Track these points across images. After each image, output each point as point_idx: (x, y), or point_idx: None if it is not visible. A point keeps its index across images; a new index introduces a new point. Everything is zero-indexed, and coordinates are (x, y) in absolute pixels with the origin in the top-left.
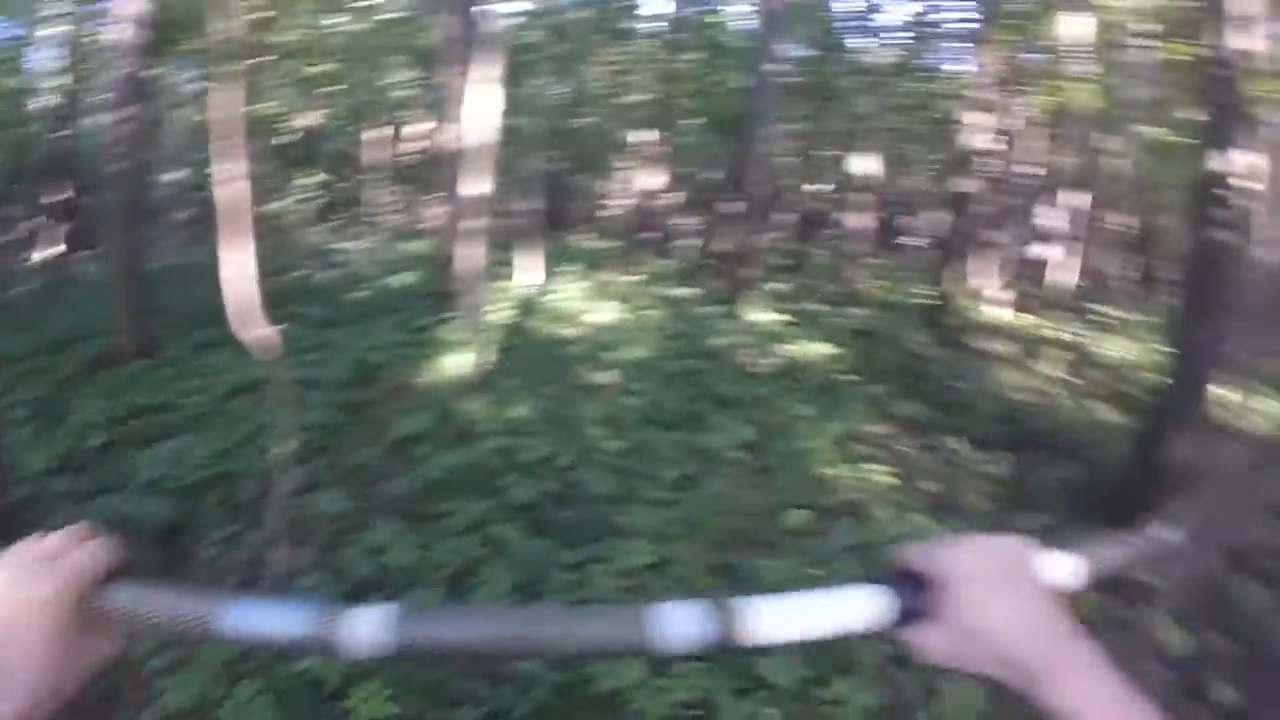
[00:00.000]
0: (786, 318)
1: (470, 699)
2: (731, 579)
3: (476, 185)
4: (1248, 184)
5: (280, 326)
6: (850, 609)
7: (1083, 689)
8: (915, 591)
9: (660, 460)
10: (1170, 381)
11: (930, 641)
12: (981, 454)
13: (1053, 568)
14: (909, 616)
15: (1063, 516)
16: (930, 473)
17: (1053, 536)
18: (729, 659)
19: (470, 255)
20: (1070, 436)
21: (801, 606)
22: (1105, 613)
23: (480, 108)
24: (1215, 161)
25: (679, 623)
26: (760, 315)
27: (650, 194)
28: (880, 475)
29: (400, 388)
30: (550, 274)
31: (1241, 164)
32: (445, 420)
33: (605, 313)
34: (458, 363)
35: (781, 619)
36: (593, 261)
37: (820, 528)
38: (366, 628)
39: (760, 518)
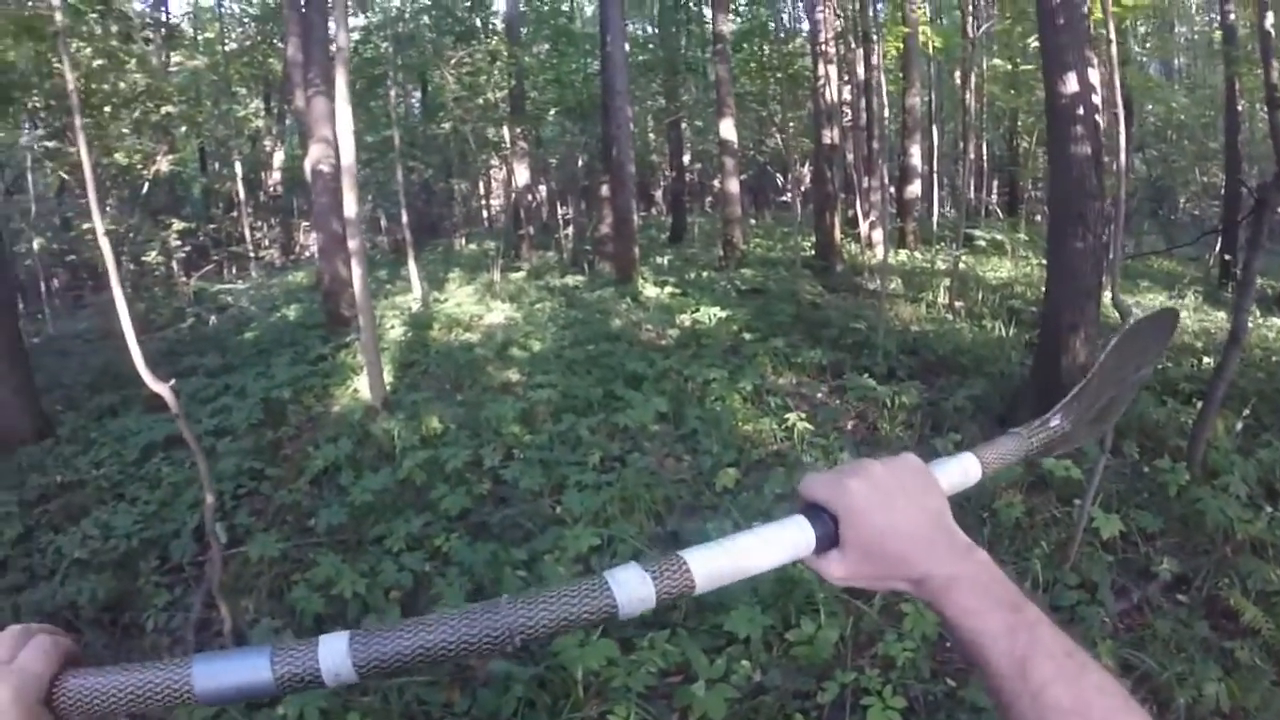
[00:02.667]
0: (677, 289)
1: (451, 712)
2: (678, 547)
3: (346, 206)
4: (1095, 99)
5: (171, 382)
6: (774, 545)
7: (973, 596)
8: (824, 521)
9: (583, 445)
10: (1051, 290)
11: (837, 567)
12: (891, 386)
13: (945, 475)
14: (821, 545)
15: (977, 431)
16: (845, 411)
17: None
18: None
19: (353, 276)
20: (971, 356)
21: (733, 548)
22: (1036, 512)
23: (337, 128)
24: (1062, 83)
25: (632, 586)
26: (652, 290)
27: (522, 189)
28: (799, 421)
29: (312, 419)
30: (438, 282)
31: (1084, 82)
32: (362, 444)
33: (498, 313)
34: (363, 385)
35: (719, 563)
36: (478, 264)
37: (752, 482)
38: (327, 658)
39: (691, 483)
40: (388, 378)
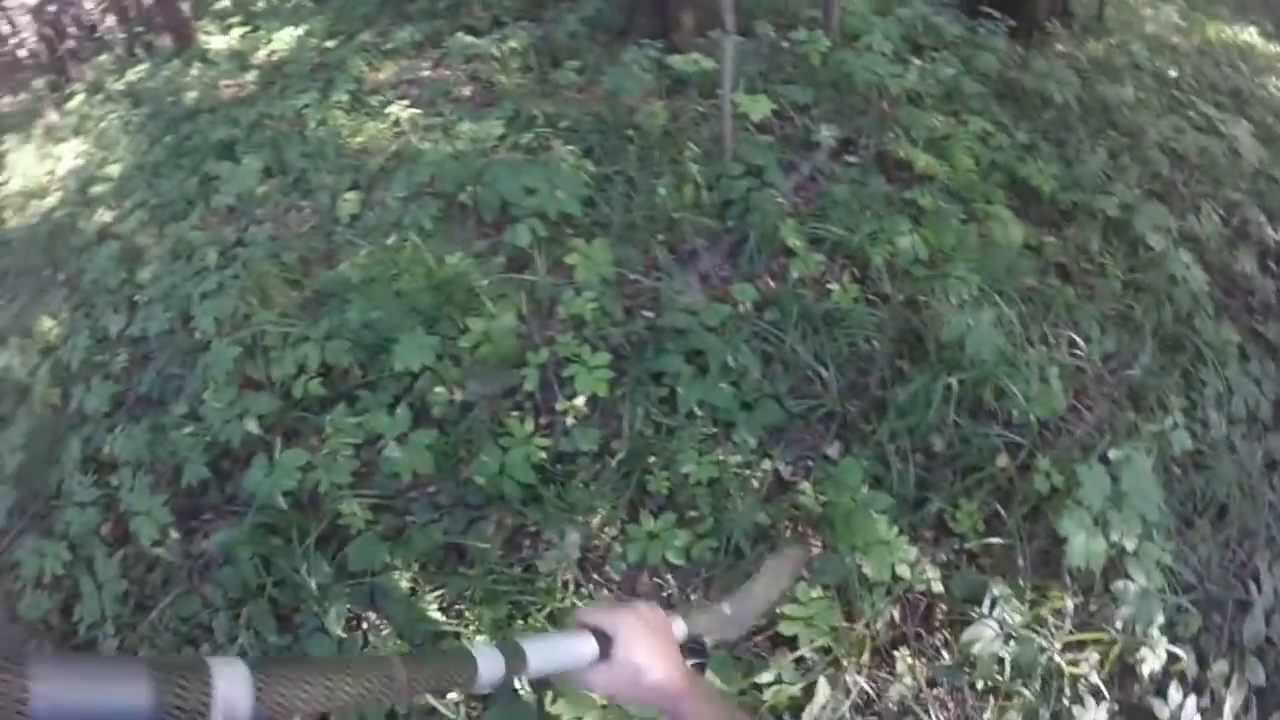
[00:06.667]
0: (245, 27)
1: None
2: (321, 306)
3: None
4: None
5: None
6: (574, 652)
7: (692, 709)
8: (601, 642)
9: (196, 250)
10: None
11: (605, 681)
12: (496, 35)
13: (679, 630)
14: (600, 657)
15: (601, 52)
16: (456, 81)
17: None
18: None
19: None
20: None
21: (549, 647)
22: (681, 114)
23: None
24: None
25: (489, 666)
26: (220, 42)
27: (38, 4)
28: (405, 111)
29: None
30: None
31: None
32: None
33: (68, 156)
34: None
35: (541, 659)
36: (29, 116)
37: (378, 198)
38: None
39: (319, 228)
40: None
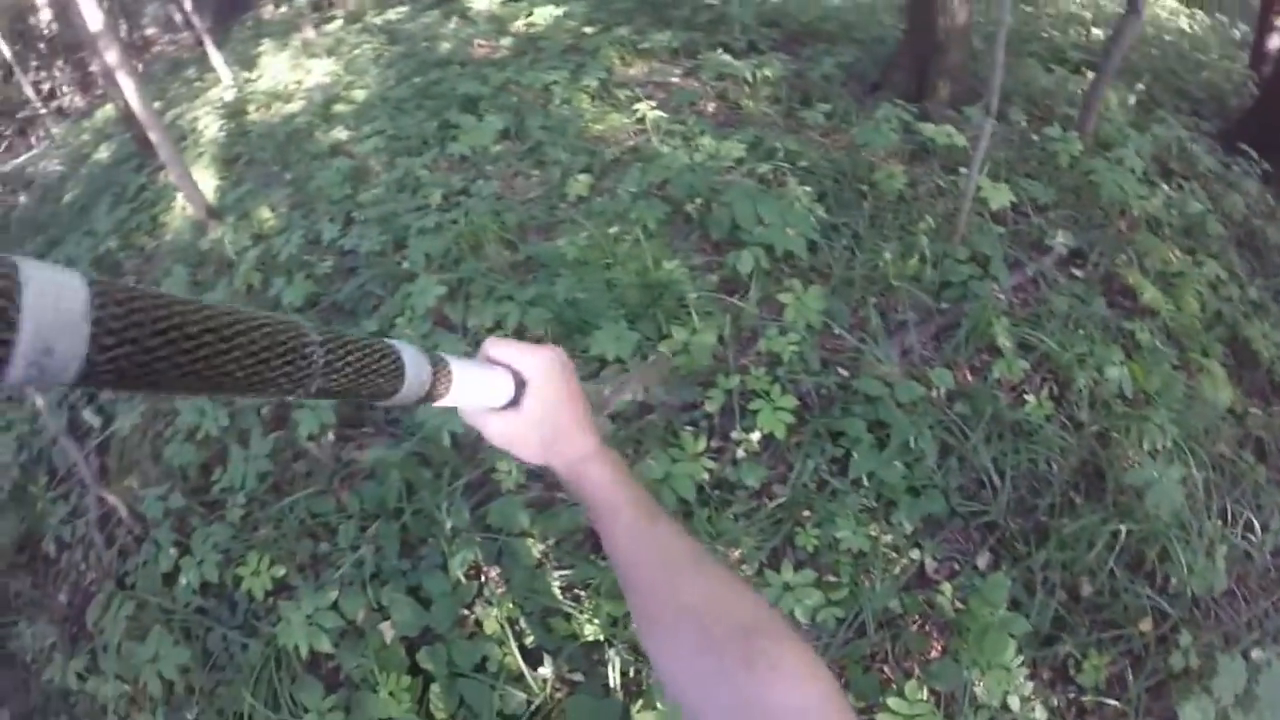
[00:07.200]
0: None
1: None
2: (534, 270)
3: (87, 19)
4: None
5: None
6: (495, 388)
7: (598, 472)
8: (517, 383)
9: (423, 187)
10: None
11: (511, 432)
12: (751, 60)
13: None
14: (509, 403)
15: (851, 101)
16: (704, 94)
17: None
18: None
19: (125, 92)
20: (838, 23)
21: (474, 376)
22: (919, 183)
23: None
24: None
25: (416, 373)
26: (481, 3)
27: None
28: (650, 110)
29: (150, 259)
30: (249, 61)
31: None
32: (201, 265)
33: (317, 72)
34: (182, 204)
35: (463, 386)
36: (290, 28)
37: (607, 185)
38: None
39: (543, 199)
40: (212, 180)
